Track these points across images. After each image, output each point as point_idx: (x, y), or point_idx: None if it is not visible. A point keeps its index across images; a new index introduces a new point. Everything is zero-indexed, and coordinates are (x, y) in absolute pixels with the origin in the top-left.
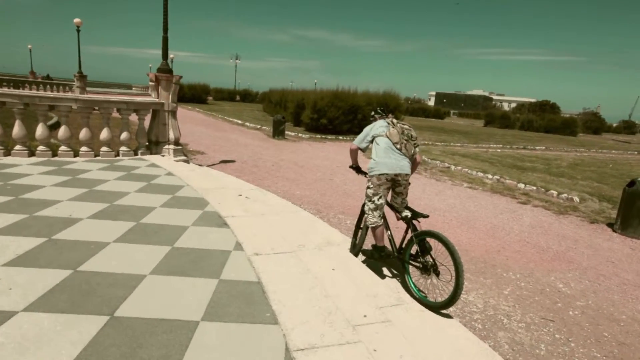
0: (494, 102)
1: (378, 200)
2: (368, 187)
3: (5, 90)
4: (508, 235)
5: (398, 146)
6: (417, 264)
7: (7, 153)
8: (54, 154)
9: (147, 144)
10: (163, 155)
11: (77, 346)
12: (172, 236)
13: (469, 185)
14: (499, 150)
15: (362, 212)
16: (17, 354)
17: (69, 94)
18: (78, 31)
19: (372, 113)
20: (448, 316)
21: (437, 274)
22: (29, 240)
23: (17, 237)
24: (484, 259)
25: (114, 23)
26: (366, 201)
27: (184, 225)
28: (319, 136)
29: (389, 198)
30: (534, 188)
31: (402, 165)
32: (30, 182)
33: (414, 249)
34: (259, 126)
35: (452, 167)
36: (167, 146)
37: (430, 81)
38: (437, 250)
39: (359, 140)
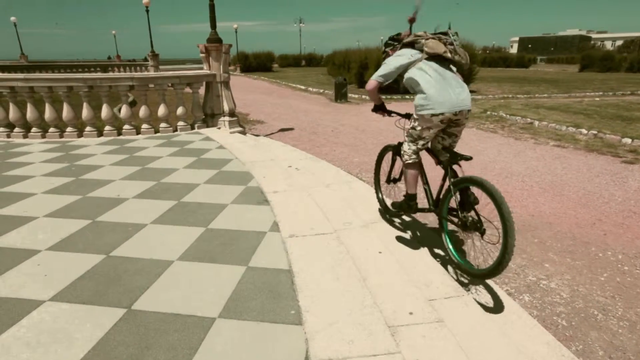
0: (592, 42)
1: (422, 145)
2: (413, 128)
3: (70, 75)
4: (607, 204)
5: (448, 55)
6: (457, 221)
7: (80, 135)
8: (119, 133)
9: (203, 117)
10: (219, 128)
11: (87, 344)
12: (208, 216)
13: (556, 143)
14: (597, 99)
15: (381, 158)
16: (29, 351)
17: (126, 74)
18: (147, 11)
19: (384, 48)
20: (519, 310)
21: (482, 234)
22: (76, 223)
23: (66, 220)
24: (572, 234)
25: (177, 1)
26: (407, 140)
27: (223, 203)
28: (384, 97)
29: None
30: None
31: (463, 98)
32: (92, 162)
33: (454, 200)
34: (321, 90)
35: (536, 123)
36: (222, 118)
37: (512, 26)
38: (485, 204)
39: (382, 73)
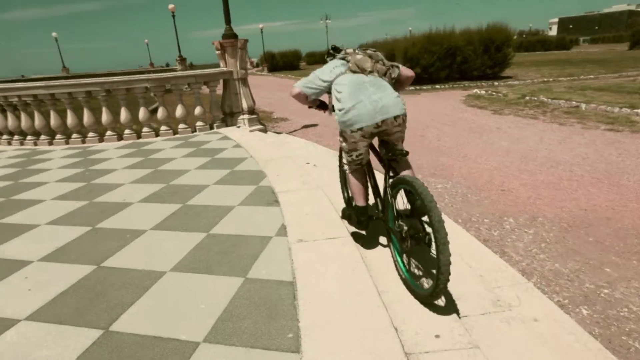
0: None
1: (357, 156)
2: (341, 140)
3: (87, 80)
4: None
5: (371, 70)
6: (397, 230)
7: (101, 139)
8: (139, 136)
9: (222, 116)
10: (238, 127)
11: None
12: (212, 220)
13: (608, 127)
14: None
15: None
16: None
17: (142, 76)
18: (173, 16)
19: (326, 57)
20: (576, 329)
21: (429, 245)
22: (76, 230)
23: (67, 227)
24: (638, 231)
25: (208, 7)
26: (343, 153)
27: (230, 205)
28: (412, 88)
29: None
30: None
31: (383, 105)
32: (106, 166)
33: (399, 205)
34: None
35: (583, 106)
36: (241, 116)
37: (551, 6)
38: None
39: (304, 82)
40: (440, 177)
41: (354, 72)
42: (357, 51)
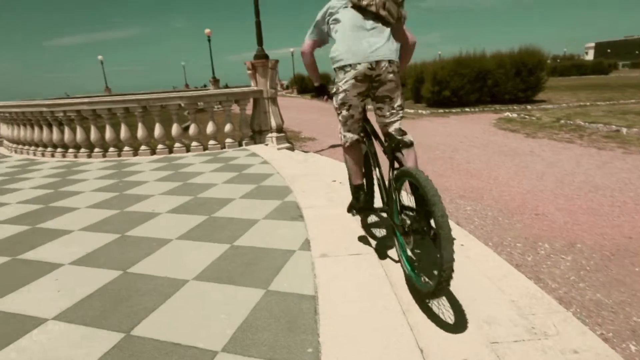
0: None
1: (347, 110)
2: (336, 92)
3: (125, 97)
4: None
5: (373, 8)
6: (400, 224)
7: (135, 153)
8: (170, 151)
9: (251, 134)
10: (266, 144)
11: None
12: (236, 232)
13: None
14: None
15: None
16: None
17: (176, 93)
18: (209, 40)
19: None
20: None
21: (434, 239)
22: (105, 237)
23: (98, 234)
24: None
25: (242, 31)
26: (340, 122)
27: (255, 218)
28: (441, 111)
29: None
30: None
31: (378, 47)
32: (139, 178)
33: (405, 197)
34: None
35: (624, 130)
36: (270, 134)
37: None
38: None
39: (311, 29)
40: (470, 200)
41: (357, 6)
42: None
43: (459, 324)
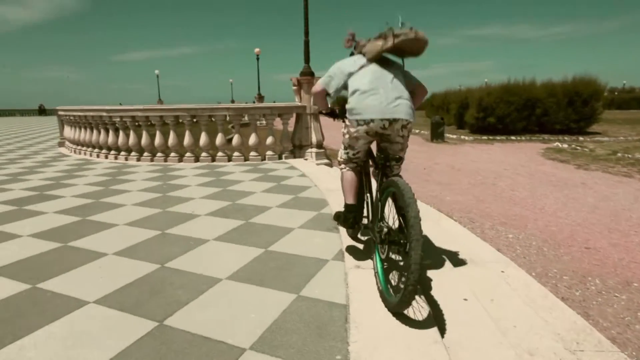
0: None
1: (353, 155)
2: (344, 133)
3: (176, 106)
4: None
5: (389, 44)
6: (377, 232)
7: (180, 159)
8: (213, 160)
9: (291, 148)
10: (306, 159)
11: (105, 353)
12: (272, 238)
13: None
14: None
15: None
16: (61, 349)
17: (223, 105)
18: (257, 59)
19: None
20: None
21: (407, 251)
22: (147, 232)
23: (140, 229)
24: None
25: (291, 50)
26: (342, 144)
27: (291, 227)
28: (485, 137)
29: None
30: None
31: (397, 105)
32: (182, 182)
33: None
34: (417, 131)
35: None
36: (309, 150)
37: None
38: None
39: (326, 80)
40: (512, 227)
41: (374, 61)
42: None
43: (498, 351)
